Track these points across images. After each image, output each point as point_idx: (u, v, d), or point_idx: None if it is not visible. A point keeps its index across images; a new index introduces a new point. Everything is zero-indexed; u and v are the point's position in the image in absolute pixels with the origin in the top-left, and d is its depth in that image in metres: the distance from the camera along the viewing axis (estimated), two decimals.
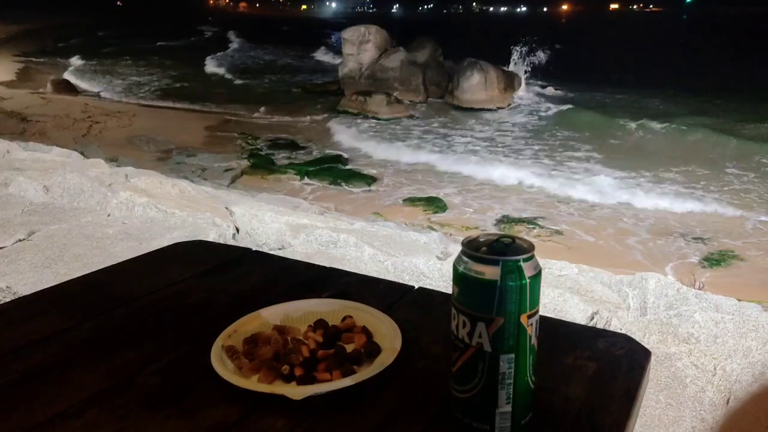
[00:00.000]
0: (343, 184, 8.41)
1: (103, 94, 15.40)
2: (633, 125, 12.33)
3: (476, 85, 14.79)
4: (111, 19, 54.27)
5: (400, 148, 10.47)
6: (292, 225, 2.92)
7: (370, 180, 8.63)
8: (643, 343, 0.85)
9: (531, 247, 0.63)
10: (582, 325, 0.96)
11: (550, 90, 17.27)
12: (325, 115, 13.57)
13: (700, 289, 2.36)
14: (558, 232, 6.60)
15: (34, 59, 22.01)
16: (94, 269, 1.12)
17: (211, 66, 21.76)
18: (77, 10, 56.85)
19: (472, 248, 0.63)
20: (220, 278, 1.08)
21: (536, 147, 10.97)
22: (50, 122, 10.64)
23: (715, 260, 5.86)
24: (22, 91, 13.95)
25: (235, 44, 31.56)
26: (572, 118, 13.25)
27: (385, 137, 11.41)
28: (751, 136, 11.56)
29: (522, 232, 6.44)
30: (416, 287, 1.04)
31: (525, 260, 0.62)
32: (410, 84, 15.47)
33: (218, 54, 25.42)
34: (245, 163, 9.23)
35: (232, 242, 2.72)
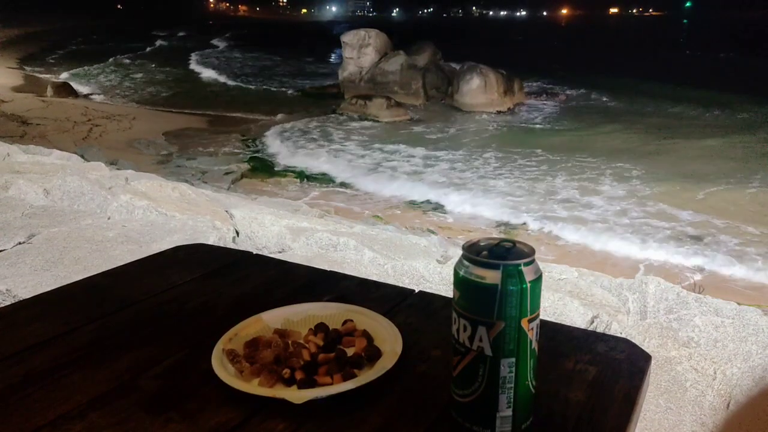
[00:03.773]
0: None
1: None
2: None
3: (476, 88, 14.81)
4: (105, 23, 54.66)
5: None
6: (292, 228, 2.92)
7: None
8: (643, 347, 0.85)
9: (532, 252, 0.63)
10: (582, 329, 0.96)
11: (552, 92, 17.32)
12: (324, 118, 13.61)
13: (699, 293, 2.36)
14: None
15: None
16: (95, 272, 1.12)
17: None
18: (79, 13, 57.07)
19: (473, 252, 0.63)
20: (220, 282, 1.08)
21: None
22: (50, 125, 10.65)
23: None
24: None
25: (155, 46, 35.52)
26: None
27: None
28: None
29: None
30: (416, 291, 1.04)
31: (526, 264, 0.62)
32: (410, 87, 15.50)
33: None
34: (245, 166, 9.24)
35: (232, 245, 2.72)
